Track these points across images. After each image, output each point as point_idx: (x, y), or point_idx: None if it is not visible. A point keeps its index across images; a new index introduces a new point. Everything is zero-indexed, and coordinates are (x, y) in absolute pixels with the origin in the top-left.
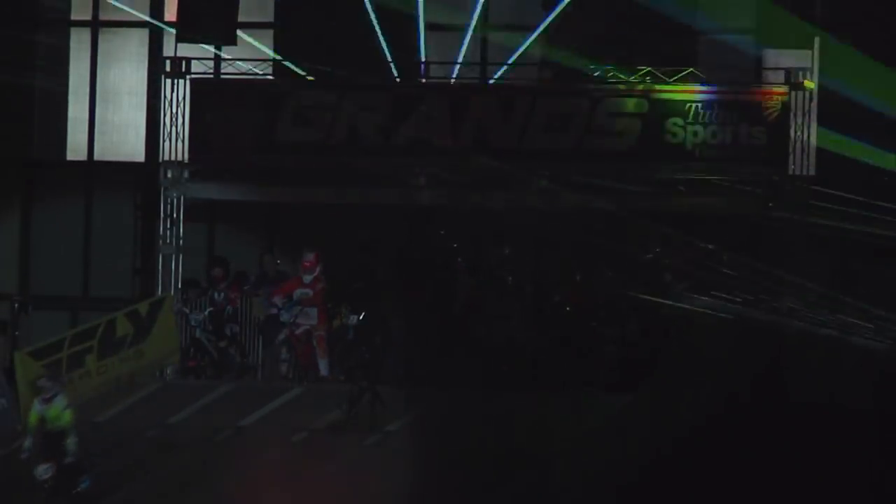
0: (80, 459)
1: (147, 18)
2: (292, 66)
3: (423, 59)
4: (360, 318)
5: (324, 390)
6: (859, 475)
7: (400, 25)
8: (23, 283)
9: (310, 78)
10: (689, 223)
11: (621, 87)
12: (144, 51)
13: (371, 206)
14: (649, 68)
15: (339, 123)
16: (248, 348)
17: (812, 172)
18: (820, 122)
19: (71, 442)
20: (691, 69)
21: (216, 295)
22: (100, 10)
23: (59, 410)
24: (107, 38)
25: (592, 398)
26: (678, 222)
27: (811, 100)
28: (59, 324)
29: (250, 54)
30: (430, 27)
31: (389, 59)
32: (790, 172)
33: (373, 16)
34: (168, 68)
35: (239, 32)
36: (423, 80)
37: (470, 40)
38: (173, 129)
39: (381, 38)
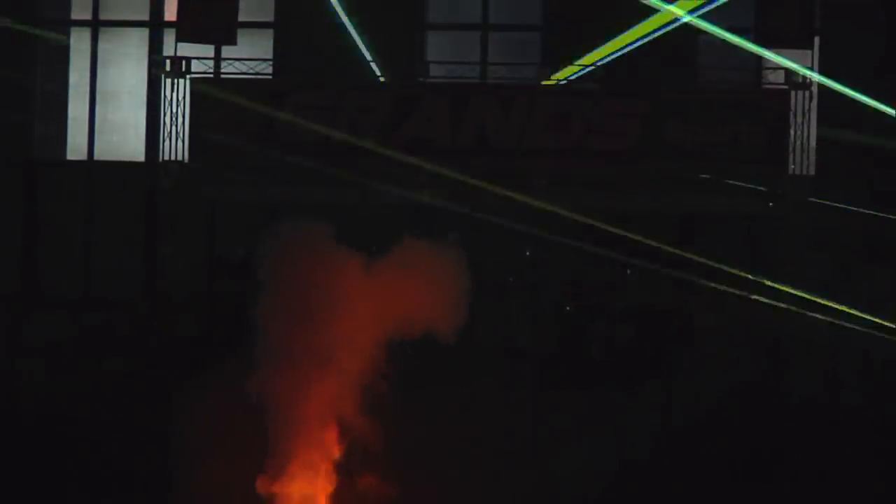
0: None
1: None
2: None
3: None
4: None
5: None
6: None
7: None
8: (24, 283)
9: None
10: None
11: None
12: (144, 51)
13: (371, 206)
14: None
15: (339, 123)
16: None
17: (812, 172)
18: None
19: None
20: None
21: None
22: (100, 10)
23: None
24: (107, 38)
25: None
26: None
27: (811, 99)
28: (60, 324)
29: (250, 54)
30: (430, 26)
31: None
32: (790, 172)
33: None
34: (168, 68)
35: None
36: (424, 80)
37: (470, 39)
38: (173, 128)
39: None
